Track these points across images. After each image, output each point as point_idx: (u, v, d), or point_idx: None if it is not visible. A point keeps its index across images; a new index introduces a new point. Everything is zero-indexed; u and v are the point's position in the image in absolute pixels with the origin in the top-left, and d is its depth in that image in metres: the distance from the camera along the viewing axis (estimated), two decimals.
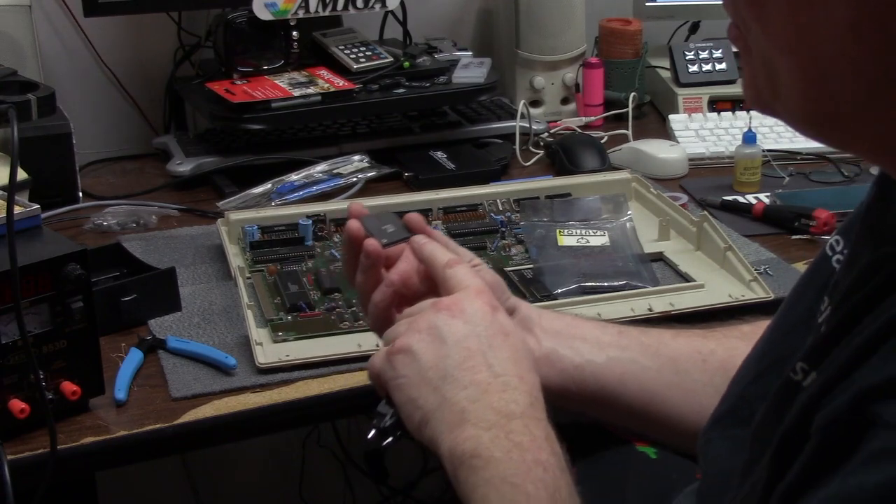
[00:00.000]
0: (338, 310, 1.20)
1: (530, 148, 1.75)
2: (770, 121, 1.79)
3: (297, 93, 1.62)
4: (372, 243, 0.89)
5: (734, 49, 1.92)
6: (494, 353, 0.81)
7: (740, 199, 1.54)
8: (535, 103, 1.89)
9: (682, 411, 0.93)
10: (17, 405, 0.98)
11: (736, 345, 0.94)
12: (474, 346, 0.81)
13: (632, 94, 1.83)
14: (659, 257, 1.35)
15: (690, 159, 1.69)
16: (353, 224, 0.91)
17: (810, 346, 0.67)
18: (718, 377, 0.91)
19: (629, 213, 1.42)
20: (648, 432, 0.97)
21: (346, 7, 1.68)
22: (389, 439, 0.87)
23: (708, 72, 1.90)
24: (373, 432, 0.87)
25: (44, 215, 1.17)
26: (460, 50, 1.88)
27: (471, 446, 0.78)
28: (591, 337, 0.95)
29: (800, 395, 0.65)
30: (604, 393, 0.94)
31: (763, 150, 1.61)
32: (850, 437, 0.57)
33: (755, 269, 1.26)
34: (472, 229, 1.40)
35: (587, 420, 0.97)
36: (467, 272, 0.87)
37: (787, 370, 0.68)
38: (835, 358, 0.62)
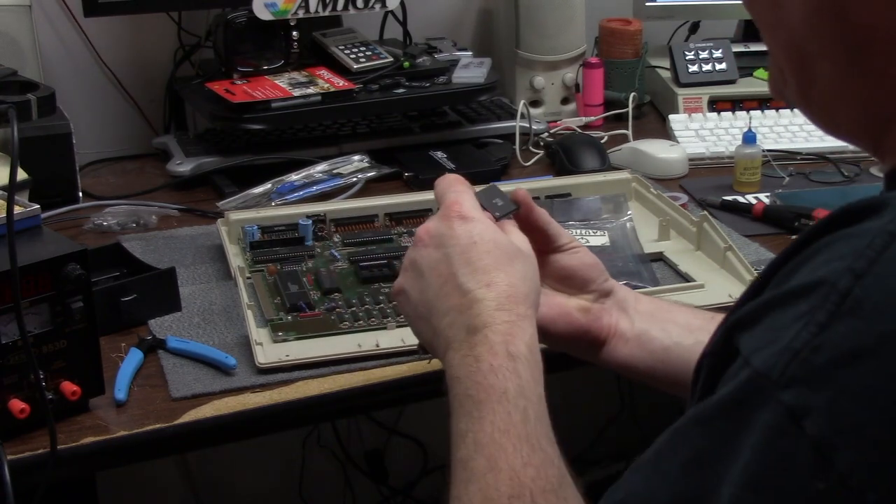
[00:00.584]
0: (338, 310, 1.20)
1: (530, 148, 1.75)
2: (770, 121, 1.79)
3: (297, 93, 1.62)
4: (488, 216, 0.91)
5: (734, 49, 1.92)
6: (464, 270, 0.84)
7: (740, 199, 1.54)
8: (535, 103, 1.89)
9: None
10: (17, 405, 0.98)
11: None
12: (445, 270, 0.85)
13: (632, 94, 1.83)
14: (659, 257, 1.35)
15: (690, 159, 1.69)
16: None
17: None
18: None
19: (629, 213, 1.42)
20: None
21: (346, 7, 1.68)
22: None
23: (708, 72, 1.90)
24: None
25: (44, 215, 1.17)
26: (460, 50, 1.88)
27: (449, 372, 0.82)
28: (681, 320, 0.98)
29: None
30: (689, 376, 0.96)
31: (763, 150, 1.61)
32: (724, 364, 0.60)
33: (755, 269, 1.26)
34: None
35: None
36: (451, 191, 0.89)
37: None
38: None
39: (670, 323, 0.98)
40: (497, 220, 0.90)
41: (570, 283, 0.97)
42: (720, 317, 0.98)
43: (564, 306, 0.96)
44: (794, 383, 0.54)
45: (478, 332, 0.81)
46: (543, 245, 0.96)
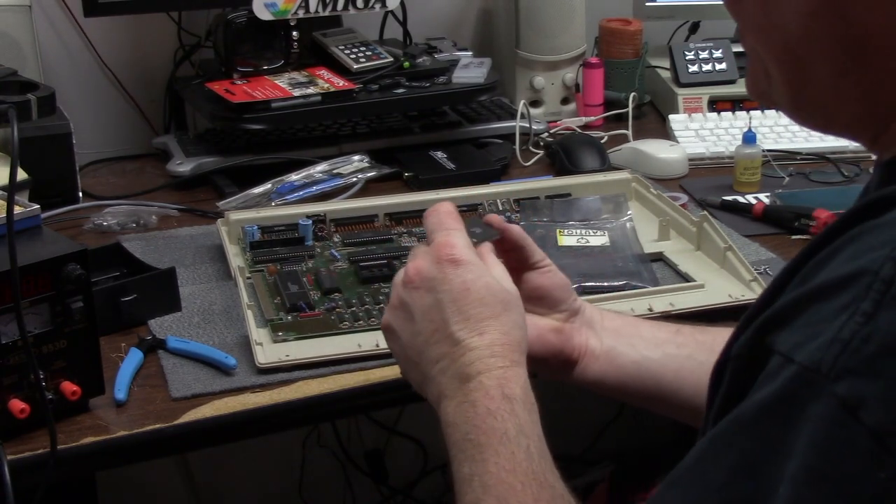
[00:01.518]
0: (338, 310, 1.20)
1: (530, 148, 1.75)
2: (770, 121, 1.79)
3: (297, 93, 1.62)
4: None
5: (734, 49, 1.92)
6: (455, 318, 0.84)
7: (740, 199, 1.54)
8: (535, 103, 1.89)
9: None
10: (17, 405, 0.98)
11: None
12: (436, 317, 0.84)
13: (632, 94, 1.83)
14: (659, 257, 1.35)
15: (690, 159, 1.69)
16: None
17: None
18: None
19: (629, 213, 1.42)
20: None
21: (346, 7, 1.68)
22: None
23: (708, 72, 1.90)
24: None
25: (44, 215, 1.17)
26: (460, 50, 1.88)
27: (444, 418, 0.82)
28: (647, 335, 0.99)
29: None
30: (660, 388, 0.97)
31: (763, 150, 1.61)
32: (756, 365, 0.59)
33: (755, 269, 1.26)
34: None
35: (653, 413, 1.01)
36: (443, 229, 0.88)
37: None
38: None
39: (636, 338, 0.98)
40: (476, 246, 0.90)
41: (543, 302, 0.97)
42: (686, 329, 0.99)
43: (539, 328, 0.96)
44: (846, 374, 0.54)
45: (472, 380, 0.81)
46: (518, 263, 0.96)
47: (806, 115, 0.69)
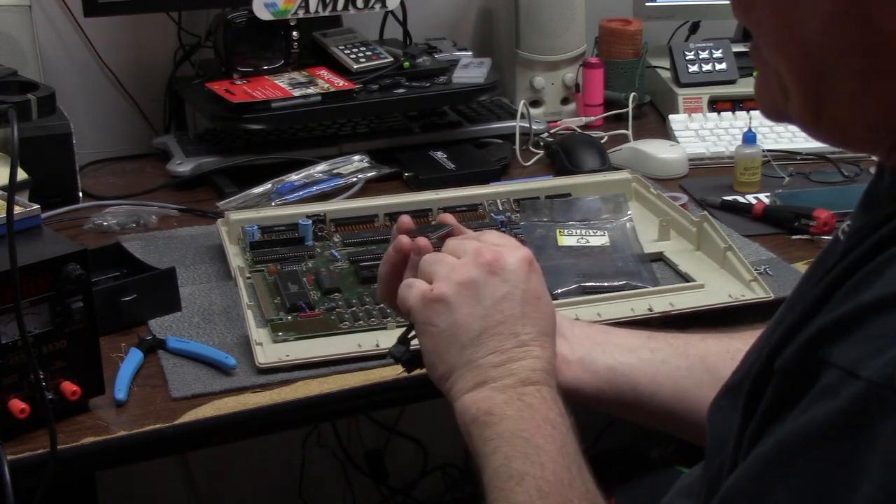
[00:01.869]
0: (338, 310, 1.20)
1: (530, 148, 1.75)
2: (770, 121, 1.78)
3: (297, 93, 1.62)
4: (423, 240, 0.92)
5: (734, 49, 1.92)
6: (525, 321, 0.85)
7: (740, 199, 1.54)
8: (535, 103, 1.89)
9: None
10: (17, 405, 0.98)
11: None
12: (507, 310, 0.84)
13: (632, 94, 1.83)
14: (659, 257, 1.35)
15: (690, 159, 1.69)
16: (404, 239, 0.93)
17: None
18: None
19: (629, 213, 1.42)
20: (683, 433, 0.99)
21: (346, 7, 1.68)
22: (403, 367, 0.93)
23: (708, 72, 1.90)
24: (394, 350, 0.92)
25: (44, 215, 1.17)
26: (460, 50, 1.88)
27: (485, 406, 0.82)
28: (620, 341, 0.98)
29: None
30: (637, 394, 0.96)
31: (763, 150, 1.61)
32: (805, 379, 0.58)
33: (755, 269, 1.26)
34: (472, 229, 1.39)
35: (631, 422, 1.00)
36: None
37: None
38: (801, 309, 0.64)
39: (610, 344, 0.98)
40: (432, 240, 0.91)
41: None
42: (658, 334, 0.99)
43: None
44: None
45: (530, 385, 0.82)
46: None
47: (824, 130, 0.67)
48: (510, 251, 0.87)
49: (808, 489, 0.55)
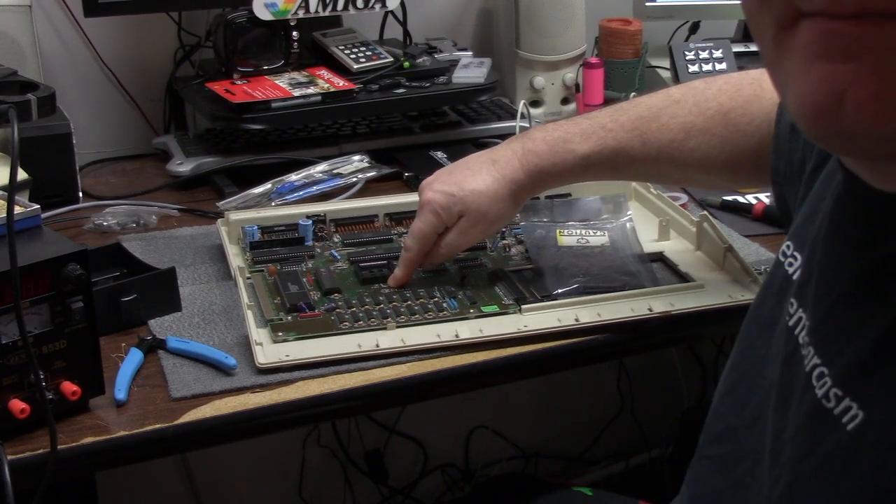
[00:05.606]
0: (338, 310, 1.20)
1: None
2: None
3: (297, 93, 1.63)
4: None
5: (734, 49, 1.92)
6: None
7: (740, 199, 1.54)
8: (535, 103, 1.89)
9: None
10: (17, 405, 0.98)
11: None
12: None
13: (632, 94, 1.83)
14: (659, 257, 1.35)
15: None
16: None
17: (841, 372, 0.66)
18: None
19: (629, 213, 1.42)
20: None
21: (346, 7, 1.68)
22: None
23: (708, 72, 1.89)
24: None
25: (44, 215, 1.17)
26: (460, 50, 1.88)
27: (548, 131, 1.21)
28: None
29: (837, 430, 0.64)
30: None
31: None
32: None
33: (755, 269, 1.26)
34: None
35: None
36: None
37: (809, 394, 0.68)
38: (881, 394, 0.61)
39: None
40: None
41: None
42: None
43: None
44: None
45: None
46: None
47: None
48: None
49: None
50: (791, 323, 0.74)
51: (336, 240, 1.38)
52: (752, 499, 0.77)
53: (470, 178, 1.19)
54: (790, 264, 0.78)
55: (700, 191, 1.59)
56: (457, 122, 1.80)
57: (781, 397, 0.74)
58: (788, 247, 0.80)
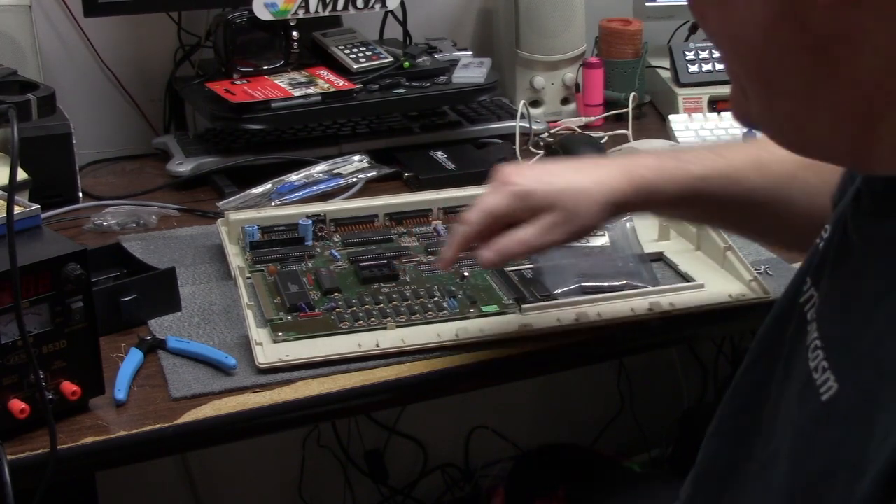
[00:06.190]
0: (338, 310, 1.20)
1: (530, 148, 1.75)
2: None
3: (297, 93, 1.63)
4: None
5: None
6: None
7: None
8: (535, 103, 1.89)
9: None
10: (17, 405, 0.98)
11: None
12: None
13: (632, 94, 1.83)
14: (659, 257, 1.35)
15: None
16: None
17: (830, 345, 0.69)
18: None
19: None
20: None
21: (346, 7, 1.68)
22: None
23: (708, 72, 1.90)
24: None
25: (44, 215, 1.17)
26: (460, 50, 1.88)
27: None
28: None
29: (815, 399, 0.67)
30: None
31: None
32: None
33: (755, 269, 1.26)
34: None
35: None
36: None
37: (804, 367, 0.71)
38: (857, 364, 0.64)
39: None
40: None
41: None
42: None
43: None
44: None
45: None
46: None
47: (781, 132, 0.68)
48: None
49: None
50: (802, 300, 0.77)
51: (336, 240, 1.38)
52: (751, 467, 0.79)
53: (567, 173, 1.04)
54: (821, 238, 0.79)
55: None
56: (457, 122, 1.80)
57: (786, 370, 0.76)
58: (826, 229, 0.81)
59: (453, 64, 1.79)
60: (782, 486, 0.69)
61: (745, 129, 1.62)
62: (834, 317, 0.70)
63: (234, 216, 1.38)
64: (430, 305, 1.20)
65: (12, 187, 0.93)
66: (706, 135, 1.78)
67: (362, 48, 1.75)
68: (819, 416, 0.66)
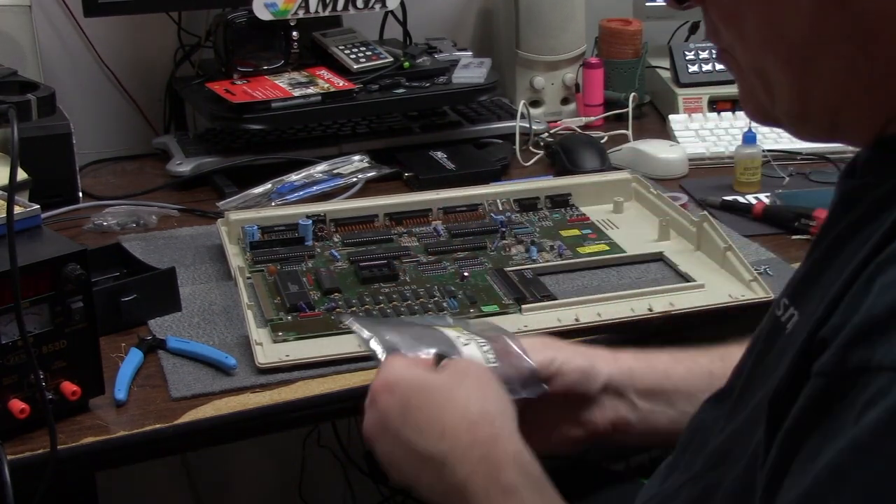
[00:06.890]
0: (338, 310, 1.20)
1: (530, 148, 1.75)
2: None
3: (297, 93, 1.62)
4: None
5: None
6: (416, 438, 0.87)
7: (740, 199, 1.54)
8: (535, 103, 1.89)
9: None
10: (17, 405, 0.98)
11: None
12: (401, 448, 0.90)
13: (632, 94, 1.83)
14: (659, 257, 1.35)
15: (690, 159, 1.69)
16: None
17: (790, 283, 0.74)
18: None
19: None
20: None
21: (346, 7, 1.68)
22: None
23: (708, 72, 1.90)
24: None
25: (44, 215, 1.16)
26: (460, 50, 1.88)
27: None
28: (682, 387, 0.98)
29: (781, 335, 0.70)
30: None
31: (763, 151, 1.61)
32: (845, 381, 0.58)
33: (755, 269, 1.26)
34: (472, 229, 1.40)
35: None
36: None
37: (772, 308, 0.75)
38: (813, 295, 0.67)
39: (673, 394, 0.98)
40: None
41: (572, 401, 0.98)
42: (715, 363, 0.98)
43: (564, 437, 0.99)
44: None
45: (464, 491, 0.80)
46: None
47: (814, 121, 0.69)
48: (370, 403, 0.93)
49: (873, 493, 0.55)
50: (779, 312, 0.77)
51: (336, 240, 1.38)
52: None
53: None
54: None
55: (700, 191, 1.59)
56: (457, 122, 1.80)
57: (758, 351, 0.77)
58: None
59: (453, 64, 1.79)
60: (748, 409, 0.72)
61: (745, 129, 1.62)
62: (800, 270, 0.74)
63: (234, 216, 1.38)
64: (430, 305, 1.20)
65: (12, 187, 0.93)
66: (706, 134, 1.78)
67: (362, 48, 1.75)
68: (784, 346, 0.69)
